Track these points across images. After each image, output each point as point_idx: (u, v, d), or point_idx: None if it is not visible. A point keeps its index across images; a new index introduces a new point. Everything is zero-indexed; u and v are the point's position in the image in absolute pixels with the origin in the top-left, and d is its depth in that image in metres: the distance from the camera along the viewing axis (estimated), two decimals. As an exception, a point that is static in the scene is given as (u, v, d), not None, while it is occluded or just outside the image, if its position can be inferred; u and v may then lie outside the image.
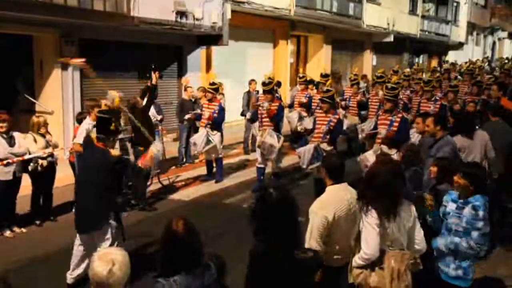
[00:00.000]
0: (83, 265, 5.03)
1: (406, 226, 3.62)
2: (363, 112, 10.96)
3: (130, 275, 2.54)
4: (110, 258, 2.47)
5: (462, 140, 6.22)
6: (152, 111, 9.58)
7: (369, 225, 3.56)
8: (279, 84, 12.90)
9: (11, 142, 6.51)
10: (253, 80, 12.20)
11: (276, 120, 8.58)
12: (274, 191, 3.14)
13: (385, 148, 7.41)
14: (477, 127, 7.18)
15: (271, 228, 3.08)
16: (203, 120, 9.17)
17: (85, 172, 5.02)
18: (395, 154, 6.89)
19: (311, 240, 3.70)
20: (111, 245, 4.89)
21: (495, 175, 6.42)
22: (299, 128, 10.25)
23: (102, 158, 4.80)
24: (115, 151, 4.94)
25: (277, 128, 8.67)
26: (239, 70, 15.42)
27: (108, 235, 4.91)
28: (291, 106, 11.66)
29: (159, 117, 9.68)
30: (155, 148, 5.37)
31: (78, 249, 5.09)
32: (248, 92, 12.04)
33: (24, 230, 6.78)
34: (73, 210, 6.02)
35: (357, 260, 3.70)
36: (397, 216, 3.55)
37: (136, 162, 6.14)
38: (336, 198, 3.83)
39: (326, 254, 3.79)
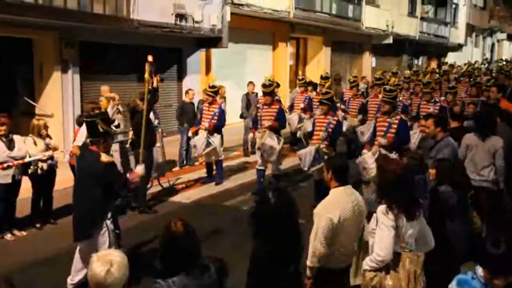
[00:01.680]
0: (84, 271, 5.03)
1: (418, 228, 3.67)
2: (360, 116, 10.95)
3: (129, 276, 2.55)
4: (108, 259, 2.49)
5: (472, 139, 6.08)
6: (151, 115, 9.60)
7: (385, 226, 3.54)
8: (277, 85, 12.93)
9: (10, 145, 6.51)
10: (251, 82, 12.21)
11: (279, 125, 8.59)
12: (273, 194, 3.15)
13: (383, 150, 7.40)
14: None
15: (271, 231, 3.08)
16: (203, 123, 9.17)
17: (79, 175, 5.00)
18: (394, 156, 6.90)
19: (316, 241, 3.70)
20: (109, 248, 4.89)
21: (502, 185, 6.10)
22: (298, 134, 10.26)
23: (93, 161, 4.75)
24: (107, 157, 4.87)
25: (277, 130, 8.67)
26: (239, 73, 15.44)
27: (103, 240, 4.89)
28: (291, 108, 11.66)
29: (156, 121, 9.69)
30: (141, 170, 5.34)
31: (78, 255, 5.08)
32: (247, 94, 12.04)
33: (24, 233, 6.78)
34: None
35: (369, 262, 3.67)
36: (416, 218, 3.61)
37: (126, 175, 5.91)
38: (341, 200, 3.82)
39: (330, 256, 3.79)
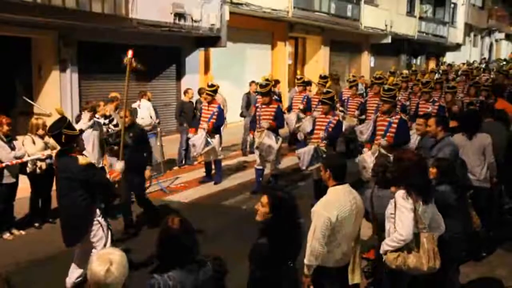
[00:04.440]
0: (79, 270, 5.04)
1: (431, 211, 3.90)
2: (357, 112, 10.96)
3: (128, 275, 2.55)
4: (108, 258, 2.49)
5: (461, 139, 6.13)
6: (148, 113, 9.60)
7: (405, 209, 3.76)
8: (276, 81, 12.93)
9: (11, 145, 6.52)
10: (253, 81, 12.18)
11: (278, 124, 8.59)
12: (284, 195, 3.27)
13: (383, 149, 7.41)
14: None
15: (284, 230, 3.14)
16: (202, 122, 9.16)
17: (60, 181, 4.96)
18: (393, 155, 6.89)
19: (313, 240, 3.72)
20: (105, 244, 4.89)
21: (495, 180, 6.25)
22: (298, 137, 10.26)
23: (71, 165, 4.75)
24: (84, 159, 4.84)
25: (275, 130, 8.65)
26: (238, 72, 15.44)
27: (99, 236, 4.90)
28: (289, 108, 11.65)
29: (156, 120, 9.68)
30: (119, 166, 5.34)
31: (76, 255, 5.09)
32: (248, 94, 12.03)
33: (23, 232, 6.78)
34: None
35: (389, 243, 3.86)
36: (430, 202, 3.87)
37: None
38: (339, 199, 3.85)
39: (328, 255, 3.81)
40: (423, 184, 3.88)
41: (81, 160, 4.76)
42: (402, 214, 3.78)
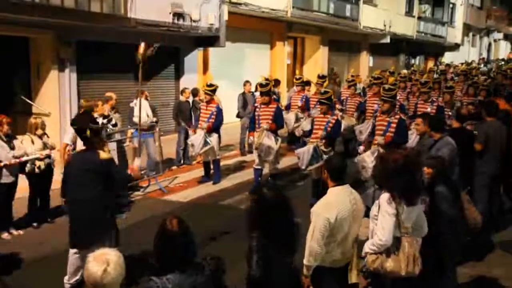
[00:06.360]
0: (80, 272, 4.99)
1: (416, 214, 3.82)
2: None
3: (126, 276, 2.54)
4: (105, 258, 2.49)
5: None
6: (145, 112, 9.57)
7: (388, 214, 3.72)
8: (276, 82, 12.93)
9: (11, 145, 6.51)
10: (247, 81, 12.18)
11: (277, 125, 8.58)
12: (268, 191, 3.20)
13: (382, 149, 7.41)
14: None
15: (270, 224, 3.11)
16: (201, 122, 9.14)
17: (78, 178, 4.87)
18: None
19: (312, 241, 3.72)
20: (109, 246, 4.88)
21: None
22: (296, 133, 10.25)
23: (92, 159, 4.73)
24: (105, 153, 4.84)
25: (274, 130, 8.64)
26: (236, 72, 15.42)
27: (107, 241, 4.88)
28: (288, 107, 11.66)
29: (153, 119, 9.66)
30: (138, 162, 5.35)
31: (74, 257, 5.04)
32: (243, 94, 12.02)
33: (21, 232, 6.77)
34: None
35: (370, 246, 3.83)
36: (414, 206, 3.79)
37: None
38: (339, 200, 3.85)
39: (327, 255, 3.81)
40: (407, 186, 3.75)
41: (102, 154, 4.78)
42: (383, 219, 3.74)
